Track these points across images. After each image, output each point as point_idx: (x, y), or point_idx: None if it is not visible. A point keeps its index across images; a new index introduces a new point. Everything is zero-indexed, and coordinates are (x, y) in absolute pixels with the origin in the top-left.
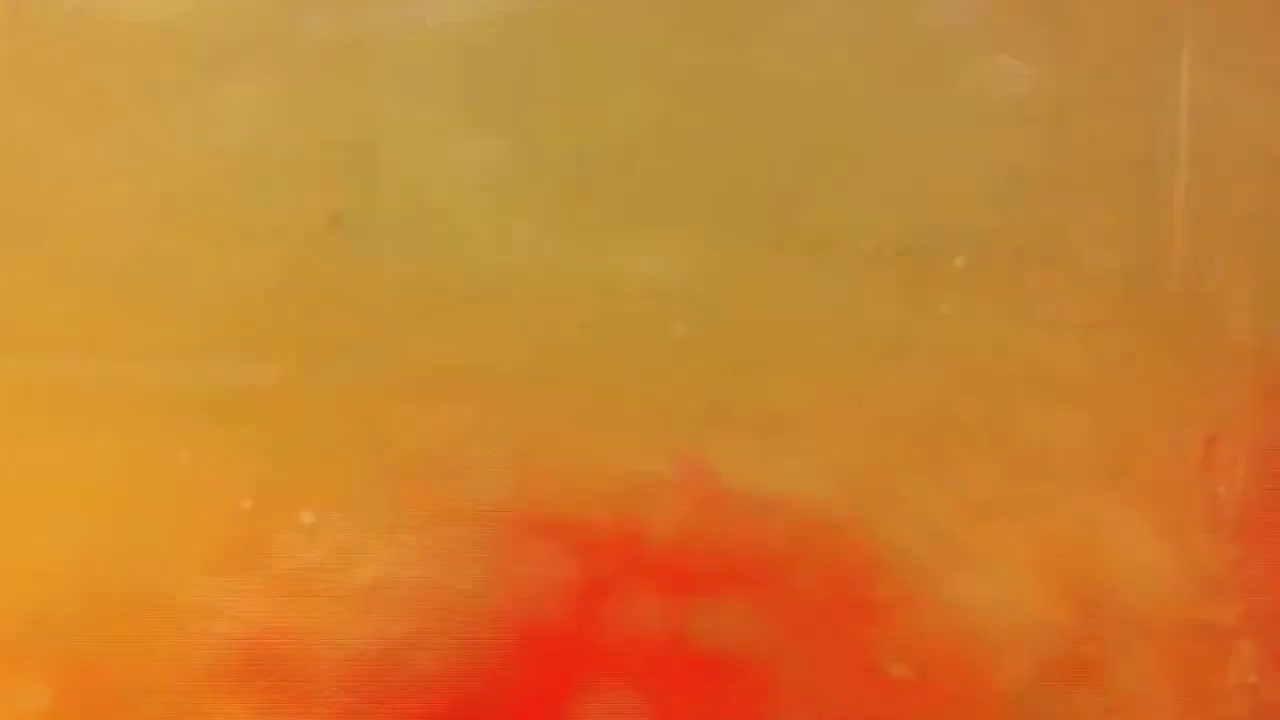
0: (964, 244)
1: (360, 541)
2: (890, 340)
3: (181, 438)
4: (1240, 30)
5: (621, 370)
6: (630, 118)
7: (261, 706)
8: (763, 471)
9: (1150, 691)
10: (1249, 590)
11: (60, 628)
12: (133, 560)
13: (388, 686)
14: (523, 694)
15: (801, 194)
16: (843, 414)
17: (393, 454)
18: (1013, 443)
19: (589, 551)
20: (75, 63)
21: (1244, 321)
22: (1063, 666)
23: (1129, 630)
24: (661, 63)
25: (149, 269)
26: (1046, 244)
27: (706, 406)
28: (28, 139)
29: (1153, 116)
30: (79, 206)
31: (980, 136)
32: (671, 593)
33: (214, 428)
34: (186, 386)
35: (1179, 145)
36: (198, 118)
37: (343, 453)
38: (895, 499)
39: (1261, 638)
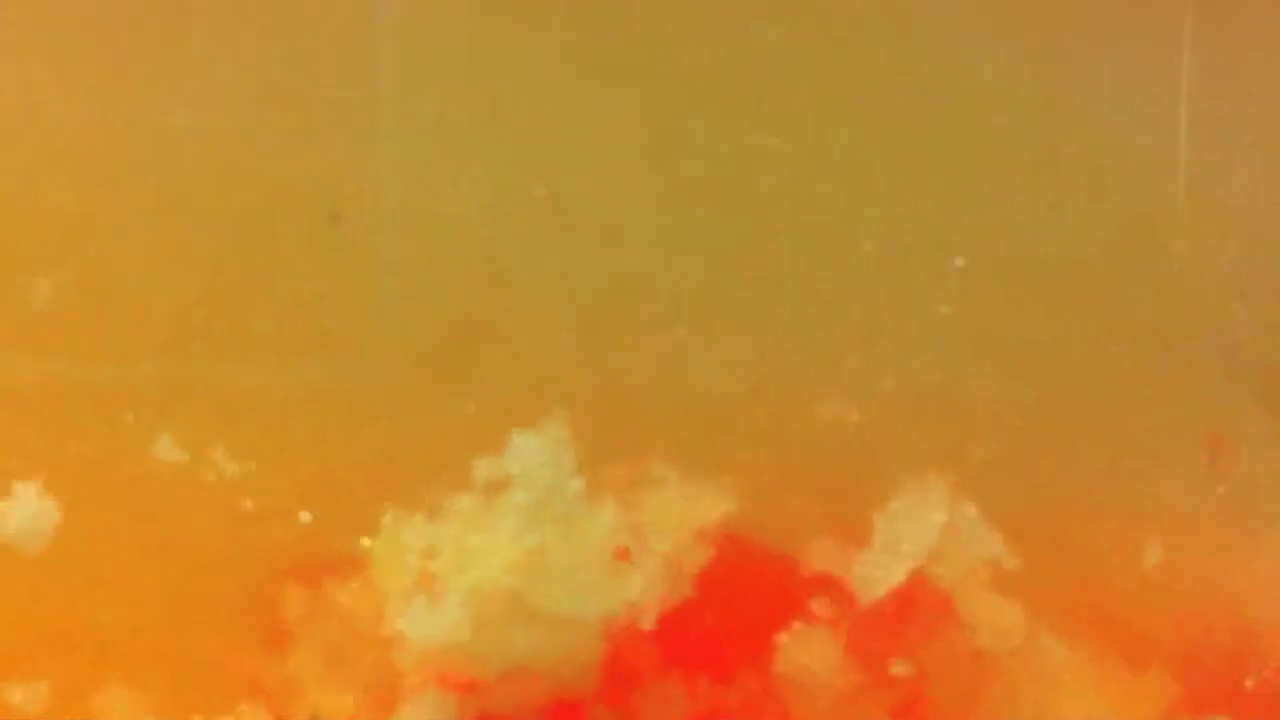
0: (964, 244)
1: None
2: (890, 340)
3: (181, 437)
4: (1240, 30)
5: (622, 371)
6: (632, 116)
7: None
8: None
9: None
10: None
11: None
12: (132, 559)
13: None
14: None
15: (801, 194)
16: (842, 413)
17: (395, 452)
18: (1012, 442)
19: None
20: (74, 60)
21: (1244, 321)
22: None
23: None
24: (662, 63)
25: (148, 269)
26: (1046, 244)
27: (706, 407)
28: (22, 138)
29: (1153, 117)
30: (77, 207)
31: (981, 138)
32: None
33: (214, 427)
34: (185, 386)
35: (1179, 145)
36: (197, 117)
37: (342, 451)
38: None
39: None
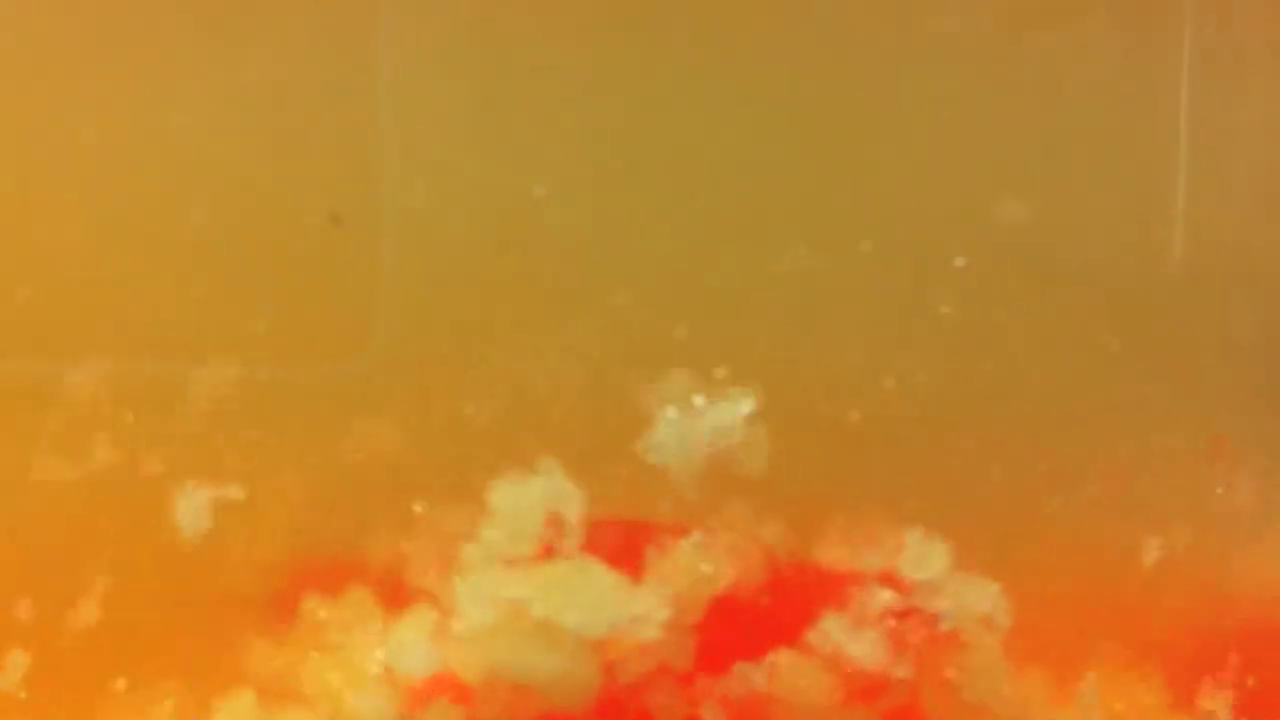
0: (964, 244)
1: None
2: (890, 340)
3: (178, 434)
4: (1240, 30)
5: (624, 369)
6: (632, 116)
7: None
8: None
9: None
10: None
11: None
12: (131, 557)
13: None
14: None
15: (800, 194)
16: (842, 412)
17: (394, 453)
18: (1012, 442)
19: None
20: (74, 60)
21: (1244, 321)
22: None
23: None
24: (662, 64)
25: (149, 269)
26: (1047, 244)
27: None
28: (25, 138)
29: (1153, 116)
30: (77, 207)
31: (981, 137)
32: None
33: (213, 427)
34: (184, 385)
35: (1179, 145)
36: (197, 117)
37: (342, 452)
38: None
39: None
